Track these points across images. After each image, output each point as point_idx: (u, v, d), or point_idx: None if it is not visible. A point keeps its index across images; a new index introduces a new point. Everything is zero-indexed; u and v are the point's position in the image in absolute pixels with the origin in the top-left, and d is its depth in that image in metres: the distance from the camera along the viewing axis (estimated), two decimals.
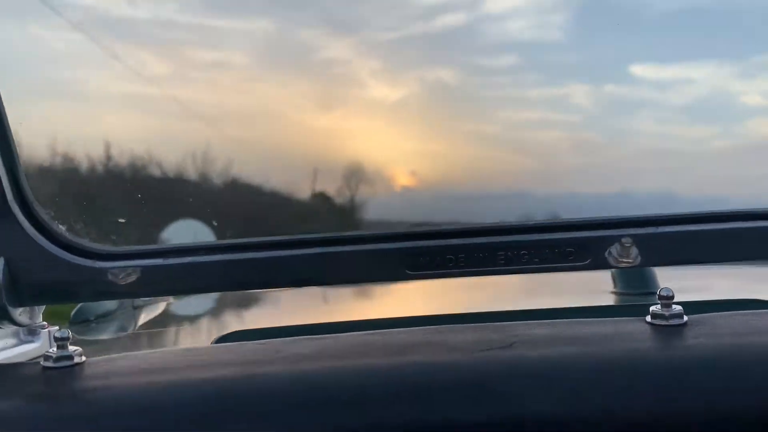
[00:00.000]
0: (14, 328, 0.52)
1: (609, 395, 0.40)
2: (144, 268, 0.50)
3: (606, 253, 0.50)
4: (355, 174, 0.78)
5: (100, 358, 0.46)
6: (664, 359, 0.42)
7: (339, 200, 0.74)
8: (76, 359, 0.44)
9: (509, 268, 0.49)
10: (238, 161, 0.74)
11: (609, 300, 0.67)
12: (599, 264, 0.50)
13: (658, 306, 0.46)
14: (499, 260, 0.49)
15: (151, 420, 0.39)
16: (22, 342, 0.56)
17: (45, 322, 0.56)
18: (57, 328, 0.59)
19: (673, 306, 0.45)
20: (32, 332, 0.56)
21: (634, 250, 0.50)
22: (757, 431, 0.41)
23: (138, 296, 0.56)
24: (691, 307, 0.48)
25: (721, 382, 0.41)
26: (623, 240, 0.50)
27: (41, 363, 0.44)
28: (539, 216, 0.53)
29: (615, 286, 0.71)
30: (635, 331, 0.45)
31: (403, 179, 0.79)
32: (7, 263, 0.48)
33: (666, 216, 0.51)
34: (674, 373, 0.41)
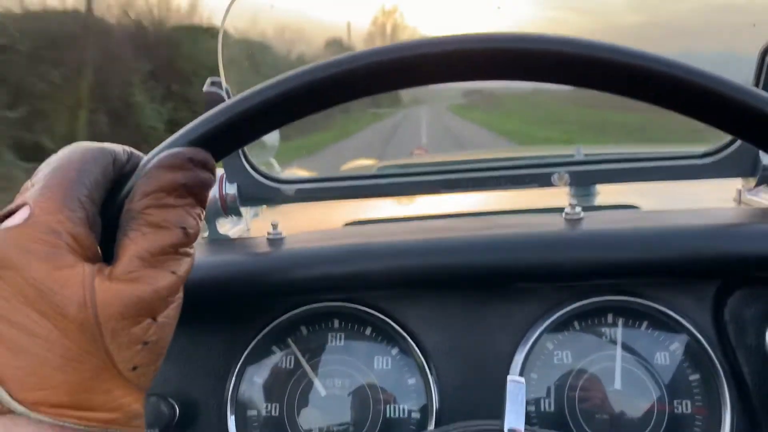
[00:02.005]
0: (237, 218, 0.99)
1: (534, 250, 0.84)
2: (302, 188, 0.95)
3: (550, 179, 0.93)
4: None
5: (292, 234, 0.92)
6: (566, 234, 0.86)
7: None
8: (283, 234, 0.91)
9: (496, 187, 0.93)
10: None
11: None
12: (544, 185, 0.93)
13: (569, 207, 0.89)
14: (490, 183, 0.93)
15: (323, 262, 0.85)
16: (235, 224, 1.03)
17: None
18: (250, 216, 1.07)
19: (576, 207, 0.88)
20: (240, 219, 1.03)
21: (567, 177, 0.93)
22: (615, 273, 0.84)
23: (300, 201, 1.01)
24: (591, 209, 0.91)
25: (595, 244, 0.84)
26: (560, 173, 0.93)
27: (266, 236, 0.91)
28: None
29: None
30: (555, 221, 0.88)
31: None
32: (238, 186, 0.94)
33: (586, 159, 0.94)
34: (571, 240, 0.85)
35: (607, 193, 1.15)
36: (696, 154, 0.91)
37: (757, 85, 0.86)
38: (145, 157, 0.44)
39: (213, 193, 0.95)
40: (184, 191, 0.44)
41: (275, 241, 0.90)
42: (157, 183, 0.42)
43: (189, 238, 0.44)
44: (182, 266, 0.44)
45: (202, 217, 0.48)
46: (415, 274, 0.84)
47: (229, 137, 0.46)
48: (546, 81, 0.42)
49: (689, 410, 0.85)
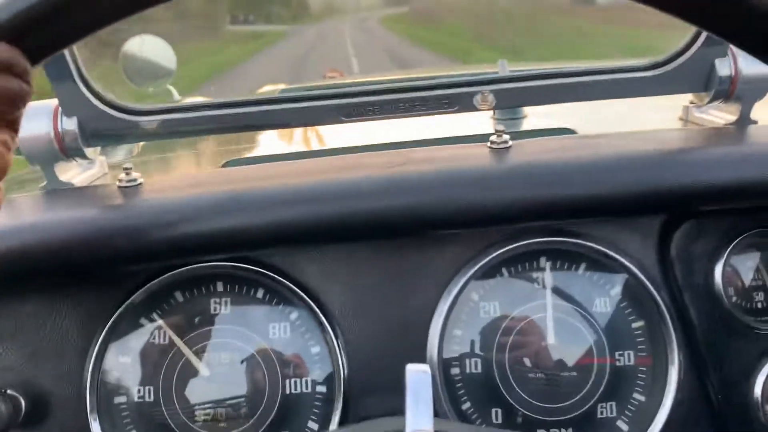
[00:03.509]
0: (84, 161, 0.78)
1: (458, 189, 0.69)
2: (165, 120, 0.75)
3: (472, 101, 0.77)
4: None
5: (152, 179, 0.73)
6: (493, 168, 0.71)
7: None
8: (139, 180, 0.71)
9: (407, 113, 0.77)
10: None
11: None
12: (466, 109, 0.77)
13: (495, 136, 0.74)
14: (400, 108, 0.76)
15: (192, 216, 0.67)
16: (85, 169, 0.82)
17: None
18: (104, 157, 0.86)
19: (503, 136, 0.73)
20: (91, 162, 0.82)
21: (491, 98, 0.77)
22: (550, 212, 0.71)
23: (162, 138, 0.82)
24: (520, 134, 0.76)
25: (526, 180, 0.70)
26: (484, 92, 0.77)
27: (116, 184, 0.71)
28: None
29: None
30: (479, 153, 0.73)
31: None
32: (78, 120, 0.73)
33: (513, 75, 0.78)
34: (498, 175, 0.71)
35: (537, 115, 1.01)
36: (640, 66, 0.77)
37: None
38: None
39: (47, 128, 0.74)
40: None
41: (129, 190, 0.71)
42: None
43: None
44: None
45: (12, 146, 0.36)
46: (311, 226, 0.68)
47: (52, 26, 0.35)
48: None
49: (632, 361, 0.75)
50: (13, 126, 0.37)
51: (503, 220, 0.71)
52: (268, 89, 2.34)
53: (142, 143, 0.98)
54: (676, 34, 0.76)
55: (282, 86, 2.36)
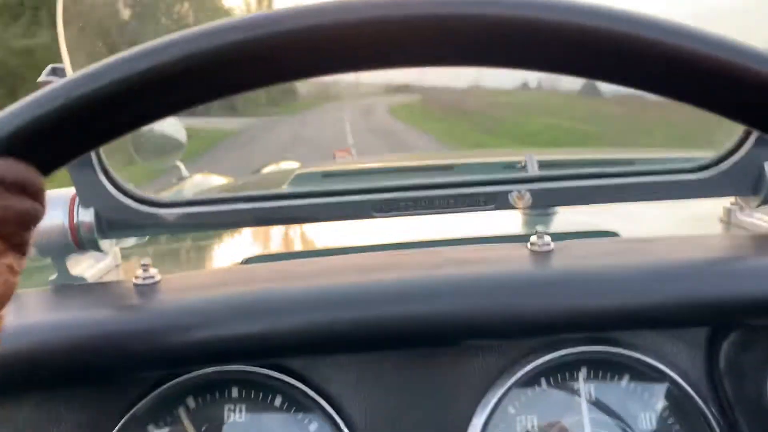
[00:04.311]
0: (99, 253, 0.74)
1: (496, 295, 0.65)
2: (186, 213, 0.72)
3: (508, 198, 0.74)
4: None
5: (169, 276, 0.68)
6: (534, 273, 0.67)
7: None
8: (157, 278, 0.67)
9: (442, 210, 0.73)
10: None
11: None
12: (503, 207, 0.74)
13: (535, 237, 0.70)
14: (436, 205, 0.73)
15: (211, 320, 0.62)
16: (97, 261, 0.78)
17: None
18: (118, 248, 0.82)
19: (545, 237, 0.70)
20: (105, 254, 0.77)
21: (527, 196, 0.74)
22: (591, 322, 0.67)
23: (181, 231, 0.78)
24: (561, 235, 0.73)
25: (568, 287, 0.66)
26: (521, 191, 0.74)
27: (133, 281, 0.67)
28: None
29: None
30: (519, 255, 0.69)
31: None
32: (95, 211, 0.69)
33: (551, 175, 0.75)
34: (540, 281, 0.66)
35: (575, 212, 0.97)
36: (686, 168, 0.74)
37: None
38: None
39: (62, 219, 0.70)
40: None
41: (145, 288, 0.66)
42: None
43: None
44: None
45: (19, 270, 0.33)
46: (338, 333, 0.63)
47: (68, 135, 0.33)
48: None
49: None
50: (21, 249, 0.34)
51: (545, 331, 0.67)
52: (285, 166, 2.33)
53: None
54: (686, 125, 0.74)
55: (293, 164, 2.34)
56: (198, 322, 0.61)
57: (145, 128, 1.10)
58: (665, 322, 0.70)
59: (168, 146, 1.08)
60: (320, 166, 1.74)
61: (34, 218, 0.34)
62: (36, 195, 0.34)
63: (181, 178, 1.70)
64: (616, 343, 0.70)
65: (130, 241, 0.91)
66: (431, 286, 0.64)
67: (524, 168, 0.91)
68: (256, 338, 0.62)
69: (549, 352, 0.69)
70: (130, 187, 0.71)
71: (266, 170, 2.31)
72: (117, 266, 0.80)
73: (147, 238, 0.94)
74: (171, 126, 1.06)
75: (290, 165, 2.32)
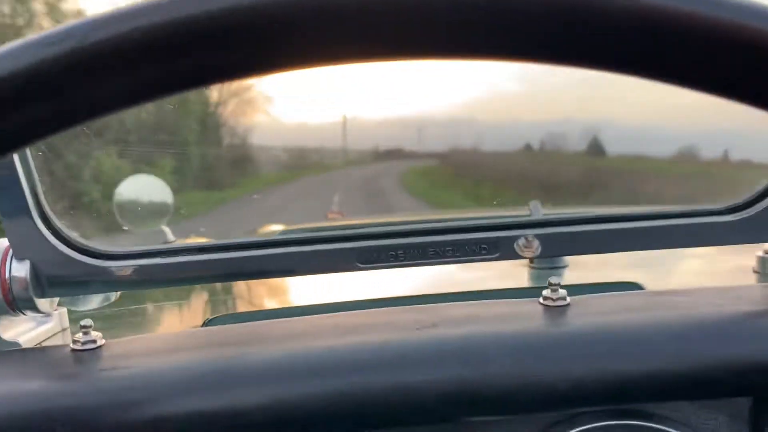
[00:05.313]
0: (41, 315, 0.63)
1: (506, 360, 0.54)
2: (142, 266, 0.61)
3: (514, 247, 0.64)
4: None
5: (115, 340, 0.57)
6: (550, 333, 0.57)
7: None
8: (99, 342, 0.56)
9: (437, 260, 0.63)
10: None
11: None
12: (508, 256, 0.64)
13: (549, 290, 0.60)
14: (430, 254, 0.63)
15: (162, 395, 0.51)
16: (38, 324, 0.67)
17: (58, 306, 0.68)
18: (65, 309, 0.71)
19: (559, 290, 0.60)
20: (47, 315, 0.67)
21: (536, 243, 0.64)
22: (617, 392, 0.56)
23: (137, 288, 0.68)
24: (576, 288, 0.62)
25: (589, 349, 0.56)
26: (528, 237, 0.64)
27: (70, 346, 0.56)
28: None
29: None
30: (530, 311, 0.59)
31: None
32: (32, 264, 0.59)
33: (560, 218, 0.66)
34: (557, 343, 0.56)
35: (590, 264, 0.87)
36: (715, 210, 0.65)
37: None
38: None
39: None
40: None
41: (84, 354, 0.55)
42: None
43: None
44: None
45: None
46: (313, 409, 0.52)
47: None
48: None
49: None
50: None
51: (563, 403, 0.56)
52: (273, 229, 2.22)
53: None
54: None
55: (281, 227, 2.24)
56: (142, 396, 0.50)
57: (130, 193, 1.03)
58: (702, 392, 0.59)
59: (154, 210, 1.02)
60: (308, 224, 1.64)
61: None
62: None
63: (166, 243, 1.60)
64: (647, 417, 0.59)
65: (93, 303, 0.81)
66: (425, 350, 0.54)
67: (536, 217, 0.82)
68: (212, 417, 0.51)
69: (568, 428, 0.58)
70: (73, 235, 0.61)
71: (259, 233, 2.22)
72: (64, 330, 0.69)
73: (112, 299, 0.84)
74: (158, 189, 1.01)
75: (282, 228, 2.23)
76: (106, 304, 0.84)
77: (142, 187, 1.01)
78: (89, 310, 0.83)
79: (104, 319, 0.68)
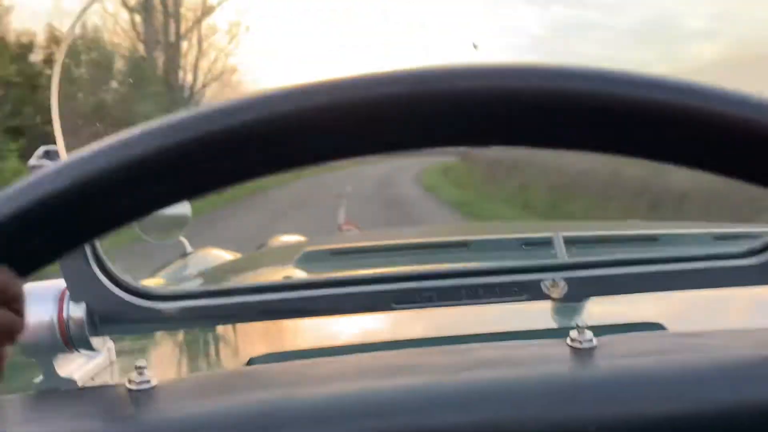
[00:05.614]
0: (91, 352, 0.66)
1: (538, 403, 0.57)
2: (188, 307, 0.65)
3: (541, 288, 0.67)
4: None
5: (167, 380, 0.61)
6: (579, 376, 0.59)
7: None
8: (153, 382, 0.59)
9: (469, 301, 0.66)
10: None
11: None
12: (536, 297, 0.67)
13: (576, 332, 0.63)
14: (462, 296, 0.66)
15: None
16: (88, 360, 0.70)
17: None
18: (112, 343, 0.74)
19: (586, 332, 0.62)
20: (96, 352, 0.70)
21: (562, 284, 0.67)
22: None
23: (183, 327, 0.71)
24: (602, 329, 0.65)
25: (619, 393, 0.58)
26: (555, 279, 0.67)
27: (126, 386, 0.59)
28: None
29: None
30: (559, 353, 0.62)
31: None
32: (87, 306, 0.62)
33: (586, 261, 0.68)
34: (586, 386, 0.59)
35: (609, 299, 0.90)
36: (735, 254, 0.67)
37: None
38: None
39: (50, 315, 0.63)
40: None
41: (139, 394, 0.58)
42: None
43: None
44: None
45: None
46: None
47: (58, 228, 0.28)
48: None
49: None
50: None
51: None
52: (284, 240, 2.25)
53: None
54: None
55: (297, 237, 2.27)
56: None
57: None
58: None
59: (173, 222, 1.04)
60: (327, 242, 1.67)
61: (10, 333, 0.29)
62: (13, 303, 0.29)
63: (184, 255, 1.63)
64: None
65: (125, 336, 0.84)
66: (465, 392, 0.57)
67: (550, 245, 0.84)
68: None
69: None
70: (126, 278, 0.64)
71: (272, 244, 2.24)
72: (111, 364, 0.73)
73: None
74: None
75: (294, 238, 2.26)
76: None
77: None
78: (124, 341, 0.86)
79: (151, 354, 0.72)
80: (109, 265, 0.64)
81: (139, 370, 0.59)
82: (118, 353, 0.75)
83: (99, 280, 0.63)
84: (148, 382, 0.59)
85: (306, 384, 0.59)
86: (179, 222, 1.07)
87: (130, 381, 0.59)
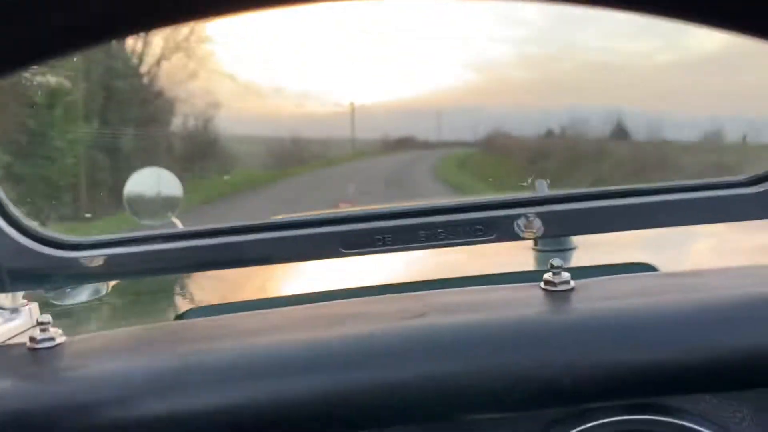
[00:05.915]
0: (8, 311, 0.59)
1: (503, 352, 0.49)
2: (109, 256, 0.57)
3: (513, 227, 0.59)
4: None
5: (76, 338, 0.53)
6: (552, 320, 0.51)
7: None
8: (57, 340, 0.51)
9: (428, 243, 0.58)
10: None
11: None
12: (506, 237, 0.58)
13: (550, 273, 0.54)
14: (420, 238, 0.58)
15: (122, 396, 0.47)
16: (6, 321, 0.63)
17: (25, 300, 0.63)
18: (36, 304, 0.67)
19: (562, 273, 0.54)
20: (14, 311, 0.63)
21: (537, 223, 0.59)
22: (629, 385, 0.51)
23: (104, 280, 0.64)
24: (581, 271, 0.57)
25: (596, 338, 0.50)
26: (528, 216, 0.59)
27: (27, 344, 0.52)
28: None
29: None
30: (530, 296, 0.53)
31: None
32: None
33: (564, 194, 0.60)
34: (559, 332, 0.50)
35: (595, 244, 0.81)
36: (735, 182, 0.59)
37: None
38: None
39: None
40: None
41: (41, 353, 0.51)
42: None
43: None
44: None
45: None
46: (296, 408, 0.47)
47: None
48: None
49: None
50: None
51: (569, 397, 0.50)
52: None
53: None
54: None
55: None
56: (100, 398, 0.46)
57: (140, 186, 0.99)
58: (725, 382, 0.54)
59: (164, 203, 0.99)
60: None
61: None
62: None
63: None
64: (662, 411, 0.54)
65: (82, 296, 0.77)
66: (414, 341, 0.49)
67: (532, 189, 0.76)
68: (179, 419, 0.46)
69: (576, 425, 0.53)
70: (34, 225, 0.56)
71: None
72: (33, 327, 0.65)
73: (102, 292, 0.79)
74: (166, 180, 0.99)
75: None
76: (95, 297, 0.80)
77: (151, 180, 0.98)
78: (75, 304, 0.79)
79: (75, 315, 0.64)
80: (15, 212, 0.56)
81: (42, 326, 0.52)
82: (56, 315, 0.67)
83: (3, 230, 0.55)
84: (51, 339, 0.51)
85: (235, 337, 0.51)
86: (171, 203, 1.03)
87: (31, 339, 0.52)
